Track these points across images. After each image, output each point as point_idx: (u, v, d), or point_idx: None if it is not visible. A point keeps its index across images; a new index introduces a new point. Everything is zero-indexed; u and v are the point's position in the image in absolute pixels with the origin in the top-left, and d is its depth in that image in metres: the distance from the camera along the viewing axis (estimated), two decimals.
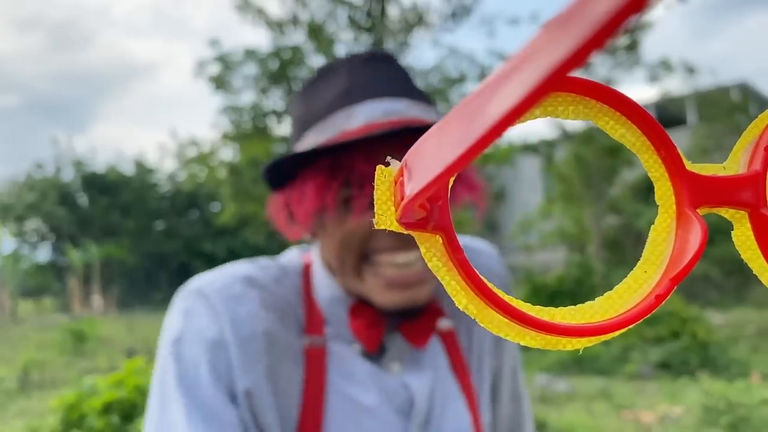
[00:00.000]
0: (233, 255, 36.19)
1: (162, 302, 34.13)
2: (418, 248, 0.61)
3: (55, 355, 11.66)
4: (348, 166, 0.76)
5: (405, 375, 0.87)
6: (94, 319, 14.61)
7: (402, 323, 0.86)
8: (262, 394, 0.80)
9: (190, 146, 30.23)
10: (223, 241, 34.79)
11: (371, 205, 0.74)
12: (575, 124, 17.69)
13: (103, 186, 31.37)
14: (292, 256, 0.95)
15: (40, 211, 29.26)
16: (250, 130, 12.38)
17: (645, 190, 16.83)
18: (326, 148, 0.75)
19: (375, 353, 0.87)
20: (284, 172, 0.83)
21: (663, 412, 5.78)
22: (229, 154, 15.60)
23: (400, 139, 0.73)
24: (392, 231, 0.61)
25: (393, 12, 12.50)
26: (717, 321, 9.75)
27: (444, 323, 0.92)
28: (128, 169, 33.16)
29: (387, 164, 0.49)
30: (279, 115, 12.58)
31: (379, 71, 0.81)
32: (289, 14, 12.42)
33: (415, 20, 12.23)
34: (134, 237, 32.16)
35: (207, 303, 0.83)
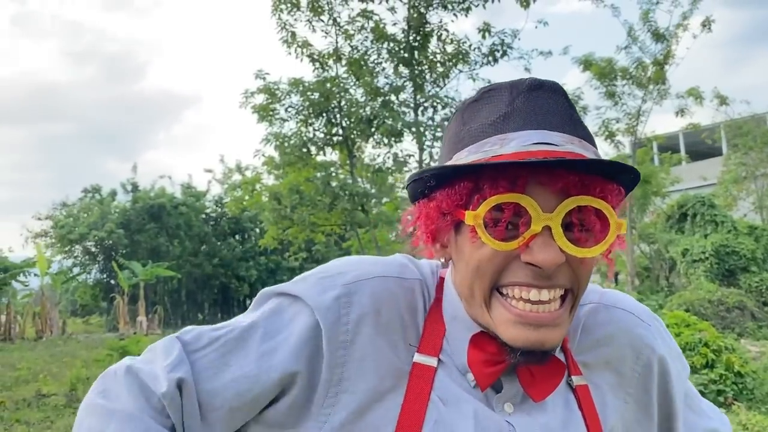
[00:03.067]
0: (271, 277, 36.66)
1: (204, 322, 34.59)
2: (553, 287, 0.77)
3: (101, 372, 12.01)
4: (491, 190, 0.75)
5: (515, 416, 0.84)
6: (139, 338, 15.03)
7: (523, 370, 0.82)
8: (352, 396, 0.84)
9: (235, 173, 30.52)
10: (262, 264, 35.33)
11: (510, 234, 0.75)
12: (606, 152, 17.63)
13: (153, 210, 32.22)
14: (432, 266, 0.94)
15: (93, 234, 30.19)
16: (291, 158, 12.74)
17: (677, 219, 16.63)
18: (470, 167, 0.76)
19: (489, 390, 0.85)
20: (427, 185, 0.83)
21: None
22: (271, 180, 16.05)
23: (549, 171, 0.73)
24: (530, 265, 0.76)
25: (432, 45, 12.79)
26: (752, 351, 9.61)
27: (577, 379, 0.89)
28: (176, 195, 34.06)
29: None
30: (320, 144, 12.94)
31: (541, 101, 0.79)
32: (332, 47, 12.81)
33: (456, 58, 12.50)
34: (179, 259, 32.88)
35: (347, 301, 0.85)
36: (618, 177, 0.79)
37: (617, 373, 0.92)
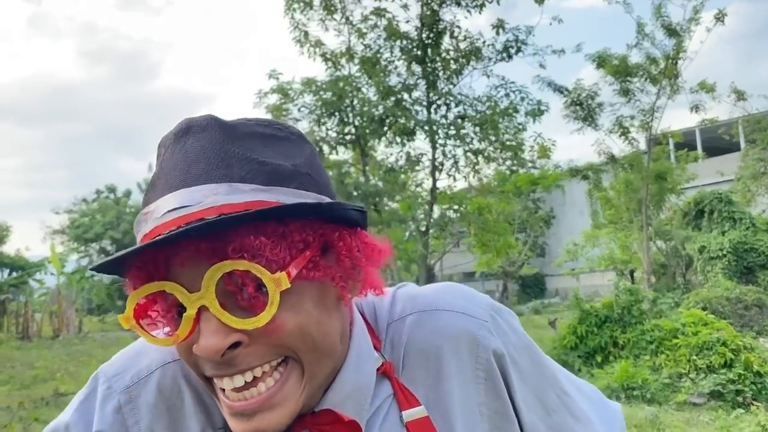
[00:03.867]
0: None
1: None
2: (246, 369, 0.65)
3: None
4: (129, 286, 0.68)
5: None
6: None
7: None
8: None
9: None
10: None
11: (176, 325, 0.66)
12: (622, 149, 17.54)
13: None
14: None
15: (109, 233, 30.51)
16: None
17: (693, 216, 16.50)
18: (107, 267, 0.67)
19: None
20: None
21: None
22: None
23: (176, 245, 0.62)
24: (210, 357, 0.62)
25: (446, 43, 12.77)
26: None
27: (412, 413, 0.78)
28: None
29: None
30: (332, 143, 12.96)
31: (189, 149, 0.66)
32: (345, 46, 12.83)
33: (470, 54, 12.48)
34: None
35: (131, 408, 0.77)
36: (299, 215, 0.66)
37: (461, 385, 0.81)
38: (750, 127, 20.79)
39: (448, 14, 12.66)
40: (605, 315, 9.09)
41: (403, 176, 14.31)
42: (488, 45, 12.71)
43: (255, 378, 0.66)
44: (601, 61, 16.07)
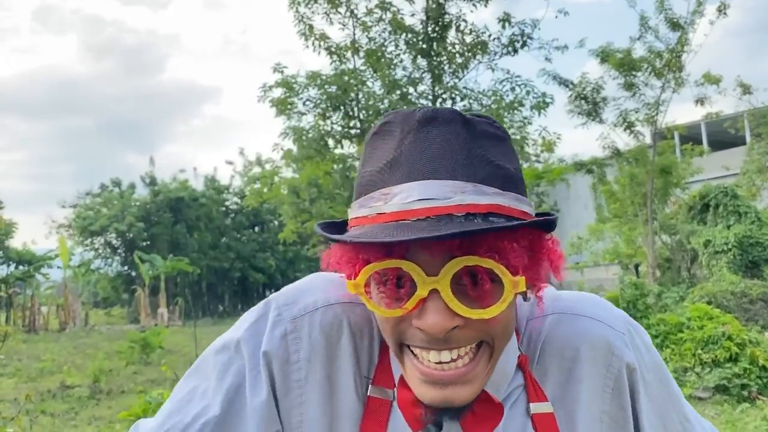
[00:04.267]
0: (290, 267, 36.92)
1: (223, 314, 35.08)
2: (454, 349, 0.72)
3: (123, 364, 12.20)
4: (367, 257, 0.72)
5: None
6: (160, 330, 15.21)
7: (462, 413, 0.77)
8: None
9: (254, 166, 30.71)
10: (280, 254, 35.59)
11: (401, 297, 0.71)
12: (627, 142, 17.50)
13: (172, 203, 32.53)
14: None
15: (114, 226, 30.58)
16: (310, 151, 12.78)
17: (698, 210, 16.46)
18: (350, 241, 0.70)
19: (432, 428, 0.79)
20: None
21: None
22: (289, 173, 16.12)
23: (466, 235, 0.66)
24: (433, 332, 0.69)
25: (451, 36, 12.74)
26: None
27: (539, 406, 0.83)
28: (198, 188, 34.41)
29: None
30: (337, 137, 12.96)
31: (432, 140, 0.70)
32: (350, 39, 12.80)
33: (476, 48, 12.44)
34: (199, 252, 33.20)
35: (295, 337, 0.82)
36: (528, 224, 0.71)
37: (589, 390, 0.84)
38: (756, 120, 20.69)
39: (453, 8, 12.64)
40: None
41: None
42: (494, 39, 12.67)
43: (458, 356, 0.72)
44: (605, 55, 16.03)
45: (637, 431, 0.87)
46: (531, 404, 0.83)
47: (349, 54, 12.96)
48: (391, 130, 0.74)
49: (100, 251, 33.00)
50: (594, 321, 0.86)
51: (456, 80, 13.12)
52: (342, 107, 12.62)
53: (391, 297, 0.72)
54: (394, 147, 0.72)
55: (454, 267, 0.68)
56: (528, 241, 0.73)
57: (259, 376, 0.81)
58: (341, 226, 0.80)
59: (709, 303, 10.65)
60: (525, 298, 0.79)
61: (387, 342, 0.78)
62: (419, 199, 0.67)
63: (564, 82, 15.32)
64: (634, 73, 16.20)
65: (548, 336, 0.85)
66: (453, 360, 0.71)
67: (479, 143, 0.72)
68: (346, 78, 12.53)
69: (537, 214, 0.76)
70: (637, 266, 21.24)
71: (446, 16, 12.51)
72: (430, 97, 12.95)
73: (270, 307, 0.85)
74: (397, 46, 12.96)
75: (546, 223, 0.72)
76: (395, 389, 0.81)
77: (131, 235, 31.37)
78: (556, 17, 13.22)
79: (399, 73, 13.01)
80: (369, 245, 0.71)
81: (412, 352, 0.74)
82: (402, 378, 0.78)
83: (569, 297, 0.90)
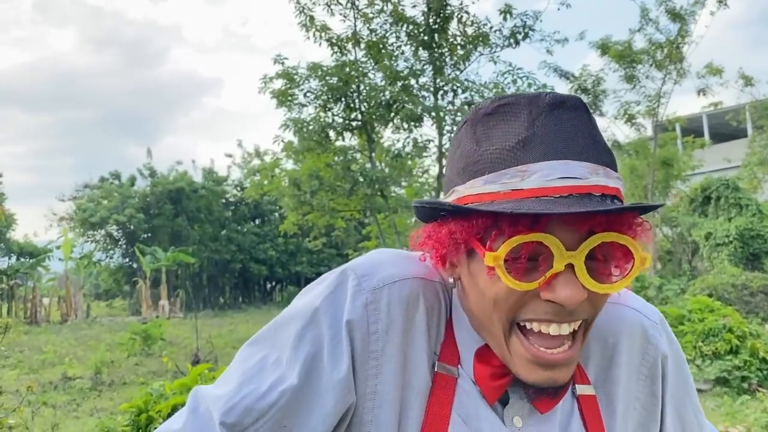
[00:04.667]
0: (291, 259, 36.93)
1: (224, 306, 35.16)
2: (574, 321, 0.76)
3: (124, 356, 12.23)
4: (510, 229, 0.72)
5: (526, 429, 0.83)
6: (161, 322, 15.24)
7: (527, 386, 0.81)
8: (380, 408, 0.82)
9: (254, 157, 30.56)
10: (281, 245, 35.59)
11: (530, 271, 0.73)
12: (627, 135, 17.48)
13: (173, 195, 32.53)
14: (444, 276, 0.89)
15: (117, 218, 30.60)
16: (311, 143, 12.76)
17: (700, 202, 16.45)
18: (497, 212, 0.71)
19: (497, 404, 0.84)
20: (440, 213, 0.82)
21: (722, 431, 5.71)
22: (290, 165, 16.08)
23: (579, 215, 0.69)
24: (550, 302, 0.74)
25: (453, 28, 12.69)
26: None
27: (583, 388, 0.87)
28: (197, 179, 34.38)
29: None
30: (338, 129, 12.93)
31: (563, 122, 0.73)
32: (351, 30, 12.75)
33: (477, 40, 12.39)
34: (200, 244, 33.22)
35: (375, 308, 0.82)
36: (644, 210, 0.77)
37: (624, 375, 0.89)
38: (757, 113, 20.64)
39: None
40: None
41: (410, 162, 14.28)
42: (495, 31, 12.62)
43: (574, 331, 0.76)
44: (605, 48, 15.99)
45: (662, 416, 0.93)
46: (577, 386, 0.86)
47: (350, 45, 12.91)
48: (514, 111, 0.76)
49: (101, 243, 33.00)
50: (632, 311, 0.92)
51: (457, 72, 13.08)
52: (343, 99, 12.58)
53: (520, 272, 0.73)
54: (525, 127, 0.74)
55: (593, 242, 0.71)
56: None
57: (340, 346, 0.81)
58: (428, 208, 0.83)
59: (710, 295, 10.65)
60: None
61: (491, 322, 0.78)
62: (561, 177, 0.70)
63: (565, 75, 15.29)
64: (634, 65, 16.17)
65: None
66: (562, 338, 0.75)
67: (598, 130, 0.77)
68: (348, 69, 12.48)
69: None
70: None
71: (448, 7, 12.45)
72: (432, 89, 12.91)
73: (348, 277, 0.84)
74: (398, 37, 12.90)
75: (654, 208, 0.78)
76: (459, 366, 0.84)
77: (132, 227, 31.37)
78: (558, 9, 13.17)
79: (401, 64, 12.96)
80: (520, 217, 0.71)
81: (522, 333, 0.77)
82: (480, 352, 0.83)
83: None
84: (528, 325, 0.75)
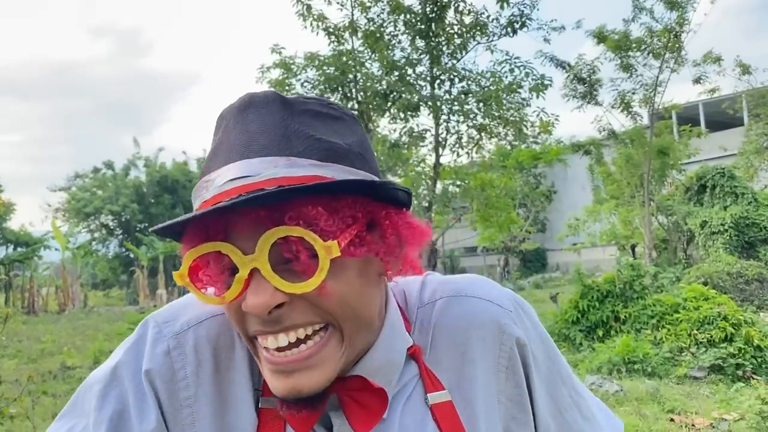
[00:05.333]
0: None
1: None
2: (289, 330, 0.69)
3: None
4: (187, 245, 0.70)
5: None
6: None
7: (347, 401, 0.76)
8: None
9: None
10: None
11: (230, 283, 0.69)
12: (623, 124, 17.50)
13: (168, 184, 32.47)
14: None
15: (111, 208, 30.56)
16: None
17: (695, 191, 16.51)
18: (170, 227, 0.68)
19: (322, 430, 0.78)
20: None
21: (716, 417, 5.77)
22: None
23: (236, 211, 0.66)
24: (257, 313, 0.67)
25: (450, 17, 12.66)
26: None
27: (436, 396, 0.81)
28: (192, 168, 34.32)
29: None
30: None
31: (251, 122, 0.70)
32: (348, 20, 12.72)
33: (474, 29, 12.37)
34: None
35: (180, 353, 0.78)
36: (343, 190, 0.69)
37: (484, 371, 0.84)
38: (754, 101, 20.68)
39: None
40: (607, 290, 9.15)
41: (406, 152, 14.28)
42: (493, 20, 12.60)
43: (298, 339, 0.69)
44: (602, 37, 15.98)
45: (532, 406, 0.87)
46: (428, 394, 0.81)
47: (347, 35, 12.89)
48: (219, 123, 0.74)
49: (96, 234, 32.98)
50: (481, 300, 0.86)
51: (454, 61, 13.07)
52: (340, 88, 12.57)
53: (220, 286, 0.71)
54: (217, 136, 0.72)
55: (267, 240, 0.66)
56: (359, 212, 0.71)
57: (145, 398, 0.76)
58: None
59: (705, 284, 10.73)
60: (388, 278, 0.78)
61: (243, 338, 0.74)
62: (231, 179, 0.67)
63: (561, 64, 15.29)
64: (630, 54, 16.17)
65: (438, 321, 0.84)
66: (293, 344, 0.69)
67: (299, 120, 0.71)
68: (345, 59, 12.47)
69: (407, 192, 0.74)
70: (633, 247, 21.33)
71: None
72: (429, 78, 12.91)
73: (148, 327, 0.81)
74: (395, 26, 12.88)
75: (367, 186, 0.69)
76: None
77: (127, 217, 31.35)
78: None
79: (397, 54, 12.95)
80: (185, 234, 0.70)
81: (258, 345, 0.72)
82: None
83: (456, 279, 0.89)
84: (256, 341, 0.71)
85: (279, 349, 0.69)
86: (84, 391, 0.80)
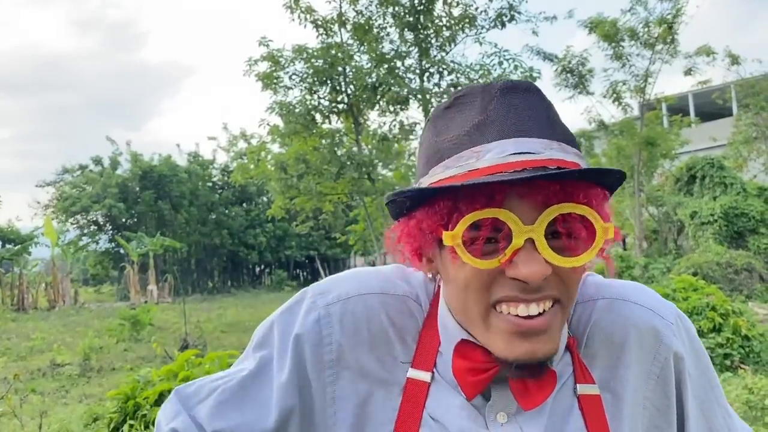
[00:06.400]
0: (280, 244, 36.90)
1: (213, 290, 35.15)
2: (542, 300, 0.75)
3: (113, 342, 12.22)
4: (467, 208, 0.73)
5: (507, 427, 0.82)
6: (150, 307, 15.21)
7: (514, 378, 0.80)
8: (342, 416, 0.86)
9: (240, 140, 30.20)
10: (270, 231, 35.53)
11: (492, 250, 0.73)
12: (614, 115, 17.53)
13: (158, 180, 32.32)
14: (423, 277, 0.91)
15: (100, 204, 30.41)
16: (297, 126, 12.70)
17: (685, 182, 16.56)
18: (446, 188, 0.73)
19: (480, 400, 0.83)
20: (405, 206, 0.82)
21: None
22: (276, 149, 16.01)
23: (528, 182, 0.70)
24: (516, 280, 0.74)
25: (438, 9, 12.61)
26: (760, 314, 9.62)
27: (586, 388, 0.85)
28: (182, 163, 34.15)
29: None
30: (325, 112, 12.87)
31: (516, 105, 0.75)
32: (336, 12, 12.65)
33: (463, 21, 12.33)
34: (187, 227, 33.09)
35: (328, 321, 0.87)
36: (602, 179, 0.75)
37: (633, 375, 0.86)
38: (743, 91, 20.74)
39: None
40: None
41: (396, 145, 14.25)
42: (481, 12, 12.57)
43: (544, 311, 0.74)
44: (594, 26, 15.98)
45: (682, 420, 0.90)
46: (578, 385, 0.84)
47: (336, 27, 12.82)
48: (469, 101, 0.78)
49: (86, 230, 32.82)
50: (644, 308, 0.88)
51: (443, 54, 13.03)
52: (329, 81, 12.51)
53: (479, 251, 0.74)
54: (479, 112, 0.76)
55: (550, 215, 0.71)
56: (603, 197, 0.76)
57: (286, 356, 0.88)
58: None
59: (695, 274, 10.77)
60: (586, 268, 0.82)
61: (468, 308, 0.78)
62: (515, 153, 0.71)
63: (548, 57, 15.27)
64: (622, 44, 16.18)
65: (598, 320, 0.87)
66: (540, 314, 0.74)
67: (553, 111, 0.78)
68: (333, 52, 12.41)
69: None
70: (624, 238, 21.41)
71: None
72: (418, 71, 12.87)
73: (306, 295, 0.91)
74: (384, 19, 12.82)
75: (621, 181, 0.77)
76: (435, 371, 0.85)
77: (118, 214, 31.23)
78: None
79: (386, 47, 12.89)
80: (473, 193, 0.73)
81: (497, 312, 0.76)
82: (460, 347, 0.81)
83: (618, 284, 0.92)
84: (498, 308, 0.75)
85: (524, 317, 0.74)
86: (257, 330, 0.95)
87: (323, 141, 13.09)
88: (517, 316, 0.74)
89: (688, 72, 16.86)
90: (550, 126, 0.75)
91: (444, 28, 12.78)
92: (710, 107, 26.48)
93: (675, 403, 0.89)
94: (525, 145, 0.72)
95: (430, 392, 0.84)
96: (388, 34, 12.96)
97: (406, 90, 12.13)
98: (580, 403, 0.84)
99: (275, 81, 12.54)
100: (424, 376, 0.85)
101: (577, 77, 16.41)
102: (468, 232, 0.73)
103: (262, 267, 40.38)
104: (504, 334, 0.75)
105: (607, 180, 0.75)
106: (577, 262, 0.73)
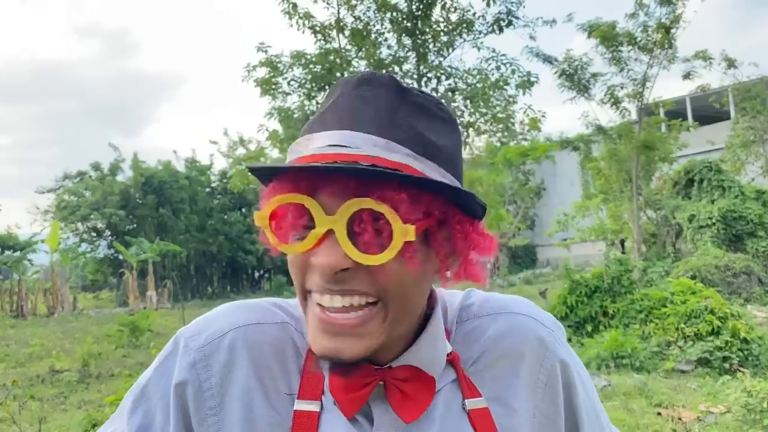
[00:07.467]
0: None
1: (213, 296, 35.10)
2: (347, 294, 0.74)
3: (112, 348, 12.21)
4: (275, 191, 0.75)
5: None
6: (149, 313, 15.21)
7: (393, 390, 0.79)
8: None
9: (239, 146, 30.28)
10: None
11: (303, 237, 0.74)
12: (611, 119, 17.56)
13: (157, 186, 32.32)
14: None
15: (100, 210, 30.39)
16: (296, 132, 12.72)
17: (683, 185, 16.59)
18: (265, 168, 0.75)
19: (364, 422, 0.80)
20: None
21: (703, 411, 5.80)
22: (275, 153, 16.03)
23: (331, 174, 0.71)
24: (324, 271, 0.73)
25: (436, 14, 12.64)
26: (759, 317, 9.64)
27: (474, 402, 0.83)
28: (181, 169, 34.16)
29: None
30: None
31: (364, 97, 0.74)
32: (334, 18, 12.68)
33: (461, 27, 12.37)
34: (187, 233, 33.08)
35: (205, 365, 0.82)
36: (432, 187, 0.73)
37: (523, 385, 0.86)
38: (740, 95, 20.80)
39: None
40: (595, 285, 9.19)
41: None
42: (479, 17, 12.60)
43: (351, 306, 0.73)
44: (593, 30, 16.02)
45: (577, 421, 0.90)
46: (465, 400, 0.83)
47: (334, 33, 12.85)
48: (333, 89, 0.79)
49: (85, 236, 32.79)
50: (528, 318, 0.90)
51: (441, 59, 13.06)
52: (327, 87, 12.54)
53: (287, 236, 0.76)
54: (331, 101, 0.77)
55: (349, 208, 0.70)
56: (435, 209, 0.74)
57: (169, 411, 0.82)
58: None
59: (693, 277, 10.79)
60: (443, 280, 0.81)
61: (296, 291, 0.78)
62: (330, 145, 0.72)
63: (548, 59, 15.31)
64: (620, 49, 16.22)
65: (485, 334, 0.87)
66: (345, 309, 0.73)
67: (407, 109, 0.75)
68: (331, 57, 12.43)
69: (483, 207, 0.78)
70: (622, 242, 21.42)
71: None
72: (415, 76, 12.89)
73: (178, 343, 0.85)
74: (382, 24, 12.85)
75: (452, 191, 0.73)
76: (323, 398, 0.81)
77: (117, 220, 31.22)
78: None
79: (384, 52, 12.92)
80: (282, 180, 0.75)
81: (311, 301, 0.76)
82: (335, 365, 0.78)
83: (501, 297, 0.93)
84: (310, 297, 0.76)
85: (332, 310, 0.73)
86: (125, 398, 0.88)
87: None
88: (322, 306, 0.74)
89: (687, 75, 16.90)
90: (390, 124, 0.73)
91: (442, 33, 12.80)
92: (707, 111, 26.53)
93: (564, 410, 0.89)
94: (347, 138, 0.72)
95: (321, 422, 0.79)
96: (386, 40, 12.98)
97: None
98: (470, 418, 0.83)
99: (274, 87, 12.56)
100: (313, 406, 0.80)
101: (577, 84, 16.46)
102: (285, 217, 0.76)
103: (262, 272, 40.34)
104: (312, 328, 0.76)
105: (431, 187, 0.73)
106: (376, 261, 0.71)
